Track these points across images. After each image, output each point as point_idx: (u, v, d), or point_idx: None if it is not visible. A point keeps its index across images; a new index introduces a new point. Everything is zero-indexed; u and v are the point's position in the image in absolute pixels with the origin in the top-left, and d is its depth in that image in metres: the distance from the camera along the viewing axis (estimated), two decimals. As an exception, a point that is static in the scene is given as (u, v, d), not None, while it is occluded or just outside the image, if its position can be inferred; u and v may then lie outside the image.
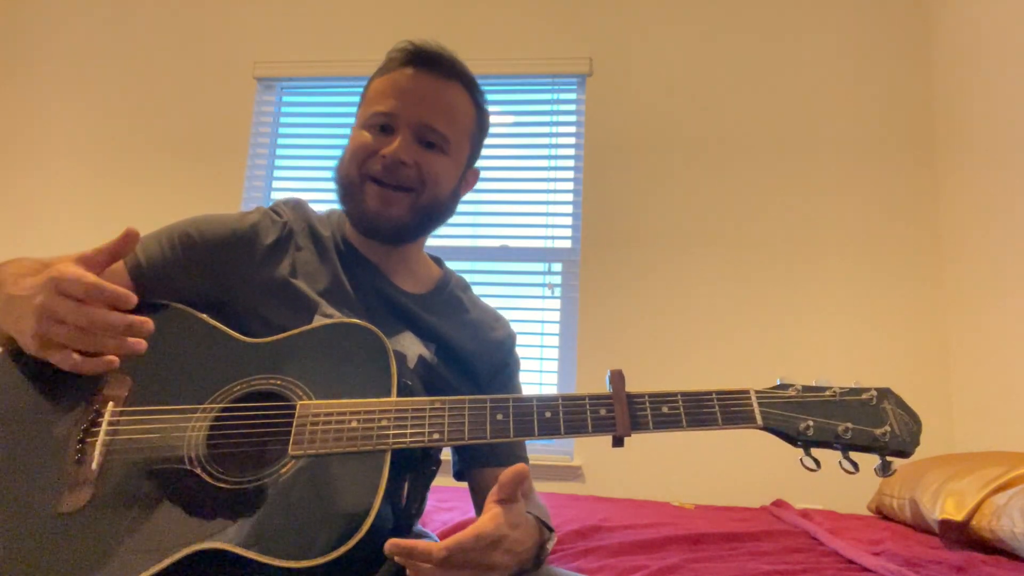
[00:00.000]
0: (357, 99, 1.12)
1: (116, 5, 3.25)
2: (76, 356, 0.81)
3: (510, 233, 2.91)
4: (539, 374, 2.74)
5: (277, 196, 3.05)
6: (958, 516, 1.48)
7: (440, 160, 1.04)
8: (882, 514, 2.00)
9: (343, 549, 0.74)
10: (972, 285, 2.40)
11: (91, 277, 0.80)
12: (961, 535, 1.49)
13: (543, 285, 2.84)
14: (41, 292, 0.80)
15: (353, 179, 1.02)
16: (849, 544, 1.45)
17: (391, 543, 0.72)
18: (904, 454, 0.84)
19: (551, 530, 0.89)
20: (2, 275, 0.88)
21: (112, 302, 0.81)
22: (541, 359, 2.75)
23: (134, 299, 0.82)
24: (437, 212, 1.07)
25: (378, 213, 1.01)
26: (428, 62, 1.03)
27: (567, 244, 2.85)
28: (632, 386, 0.87)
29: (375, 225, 1.03)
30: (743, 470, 2.45)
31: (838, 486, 2.13)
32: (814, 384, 0.88)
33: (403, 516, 0.90)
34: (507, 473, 0.78)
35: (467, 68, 1.07)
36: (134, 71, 3.17)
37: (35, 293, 0.80)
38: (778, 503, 2.12)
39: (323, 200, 2.93)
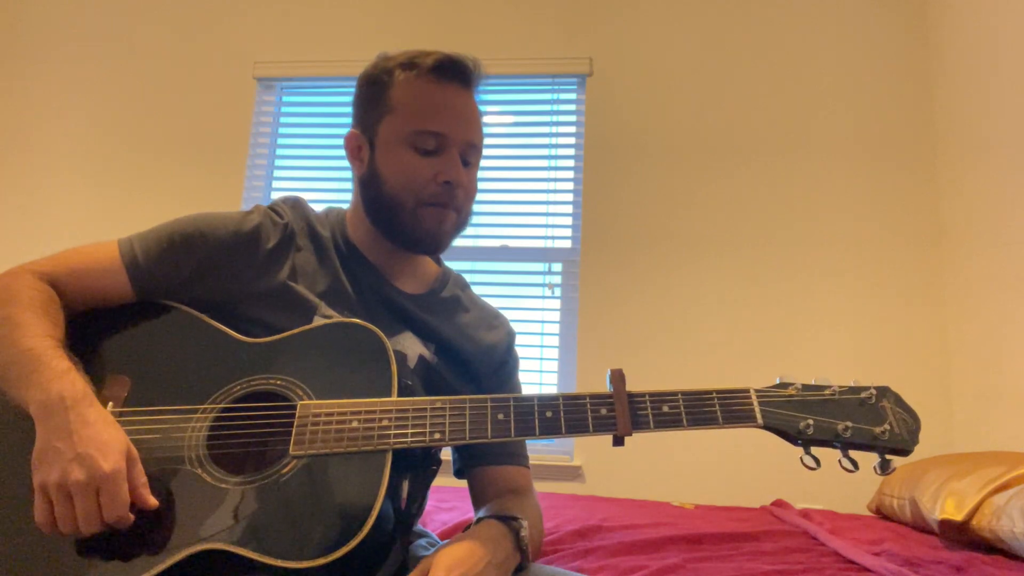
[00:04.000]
0: (357, 99, 1.09)
1: (116, 5, 3.25)
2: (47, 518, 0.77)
3: (510, 233, 2.90)
4: (539, 374, 2.73)
5: (277, 196, 3.05)
6: (958, 516, 1.47)
7: (474, 175, 1.06)
8: (882, 514, 2.00)
9: (344, 549, 0.74)
10: (972, 285, 2.40)
11: (131, 518, 0.76)
12: (961, 535, 1.49)
13: (543, 285, 2.84)
14: (86, 469, 0.75)
15: (407, 205, 1.00)
16: (849, 544, 1.45)
17: None
18: (903, 452, 0.84)
19: (515, 518, 0.89)
20: (75, 388, 0.81)
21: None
22: (541, 359, 2.74)
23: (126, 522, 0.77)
24: (470, 222, 1.08)
25: (437, 232, 1.01)
26: (462, 76, 1.03)
27: (567, 244, 2.85)
28: (632, 386, 0.87)
29: (435, 244, 1.03)
30: (743, 470, 2.45)
31: (838, 486, 2.13)
32: (814, 383, 0.88)
33: (404, 516, 0.90)
34: None
35: (483, 75, 1.07)
36: (134, 71, 3.17)
37: (82, 459, 0.75)
38: (778, 503, 2.12)
39: (323, 200, 2.94)
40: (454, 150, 1.00)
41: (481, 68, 1.05)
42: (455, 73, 1.02)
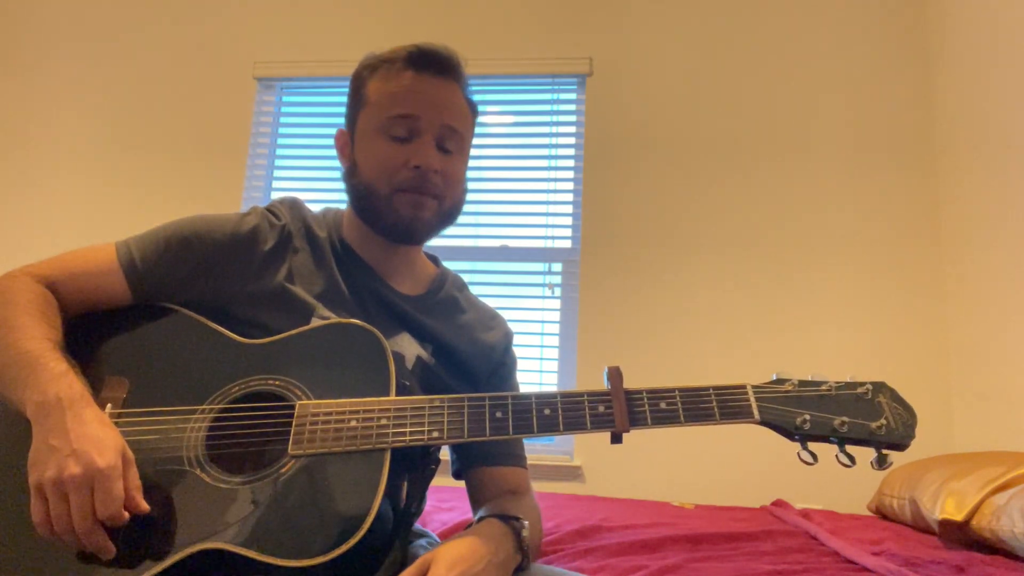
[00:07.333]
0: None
1: (116, 6, 3.25)
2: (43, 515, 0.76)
3: (510, 233, 2.90)
4: (539, 374, 2.73)
5: (276, 197, 3.05)
6: (958, 516, 1.47)
7: (457, 162, 1.05)
8: (882, 514, 2.00)
9: (343, 548, 0.74)
10: (972, 286, 2.40)
11: (125, 515, 0.76)
12: (961, 535, 1.49)
13: (543, 285, 2.84)
14: (82, 464, 0.75)
15: (381, 192, 1.01)
16: (849, 544, 1.45)
17: None
18: (900, 447, 0.84)
19: (516, 519, 0.89)
20: (72, 389, 0.81)
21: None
22: (541, 359, 2.74)
23: (113, 550, 0.77)
24: (457, 212, 1.08)
25: (412, 219, 1.01)
26: (434, 64, 1.03)
27: (567, 244, 2.85)
28: (631, 385, 0.87)
29: (409, 230, 1.02)
30: (743, 470, 2.45)
31: (838, 486, 2.13)
32: (810, 379, 0.88)
33: (403, 515, 0.90)
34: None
35: (462, 65, 1.06)
36: (134, 71, 3.17)
37: (78, 455, 0.75)
38: (778, 503, 2.12)
39: (323, 200, 2.94)
40: (428, 136, 1.00)
41: (457, 58, 1.05)
42: (427, 62, 1.02)
